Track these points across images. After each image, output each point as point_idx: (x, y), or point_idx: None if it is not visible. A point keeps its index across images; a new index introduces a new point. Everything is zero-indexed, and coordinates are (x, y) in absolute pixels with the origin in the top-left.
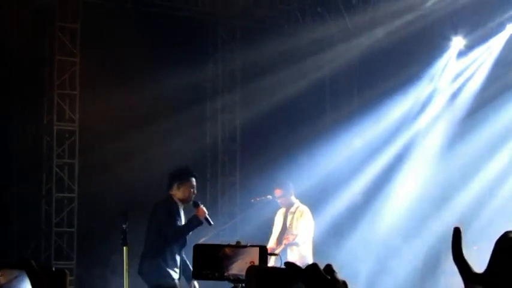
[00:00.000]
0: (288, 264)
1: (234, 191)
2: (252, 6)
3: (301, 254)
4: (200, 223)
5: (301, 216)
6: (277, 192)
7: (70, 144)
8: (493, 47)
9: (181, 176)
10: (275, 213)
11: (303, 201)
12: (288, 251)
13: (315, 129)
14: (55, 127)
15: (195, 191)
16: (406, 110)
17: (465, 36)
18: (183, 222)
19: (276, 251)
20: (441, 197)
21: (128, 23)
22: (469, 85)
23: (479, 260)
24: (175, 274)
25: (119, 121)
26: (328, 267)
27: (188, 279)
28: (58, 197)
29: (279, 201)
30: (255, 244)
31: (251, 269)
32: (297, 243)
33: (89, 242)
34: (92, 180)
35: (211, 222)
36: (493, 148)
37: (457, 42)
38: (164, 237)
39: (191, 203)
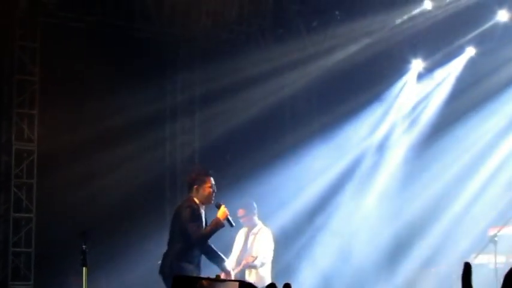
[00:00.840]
0: (247, 285)
1: None
2: (212, 27)
3: (259, 275)
4: (222, 225)
5: (262, 237)
6: (241, 212)
7: (28, 164)
8: (452, 70)
9: (198, 176)
10: (236, 233)
11: (264, 222)
12: (246, 272)
13: (275, 150)
14: (14, 146)
15: (215, 189)
16: (366, 132)
17: (425, 59)
18: (204, 224)
19: (235, 272)
20: (399, 216)
21: (88, 43)
22: (429, 108)
23: (436, 283)
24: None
25: (78, 141)
26: (286, 286)
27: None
28: (16, 217)
29: (241, 220)
30: (236, 279)
31: None
32: (256, 265)
33: (47, 262)
34: (51, 201)
35: (233, 224)
36: (453, 170)
37: (417, 65)
38: (187, 239)
39: (214, 203)
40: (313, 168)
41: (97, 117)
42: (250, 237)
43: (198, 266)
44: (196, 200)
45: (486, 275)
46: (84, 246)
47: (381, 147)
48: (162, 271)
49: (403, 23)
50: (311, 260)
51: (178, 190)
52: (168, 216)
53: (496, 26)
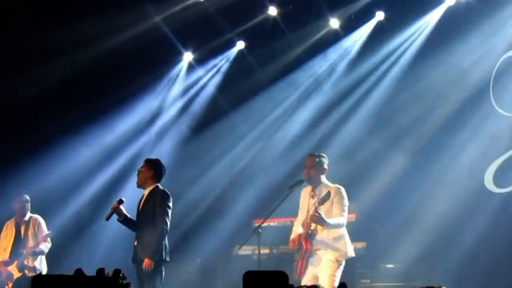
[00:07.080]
0: None
1: None
2: None
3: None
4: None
5: (37, 226)
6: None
7: None
8: (222, 63)
9: None
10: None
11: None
12: (25, 262)
13: (42, 136)
14: None
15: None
16: (136, 121)
17: (195, 50)
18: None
19: (15, 264)
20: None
21: None
22: (197, 101)
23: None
24: None
25: None
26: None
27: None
28: None
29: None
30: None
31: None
32: (43, 250)
33: None
34: None
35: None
36: (222, 160)
37: (187, 56)
38: None
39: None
40: (81, 156)
41: None
42: (22, 227)
43: None
44: None
45: (249, 266)
46: None
47: (152, 137)
48: None
49: (175, 13)
50: (73, 248)
51: None
52: None
53: (266, 20)
